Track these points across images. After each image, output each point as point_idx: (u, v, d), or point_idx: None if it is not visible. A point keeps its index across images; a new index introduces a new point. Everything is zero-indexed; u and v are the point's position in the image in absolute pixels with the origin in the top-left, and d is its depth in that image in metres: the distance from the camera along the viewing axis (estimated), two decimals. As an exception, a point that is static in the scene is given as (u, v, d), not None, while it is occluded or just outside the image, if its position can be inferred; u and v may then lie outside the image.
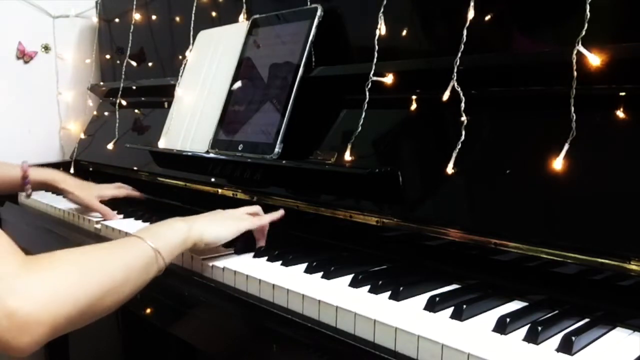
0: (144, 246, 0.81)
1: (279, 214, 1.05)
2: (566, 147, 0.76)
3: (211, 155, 1.27)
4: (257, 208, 1.06)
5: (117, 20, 1.92)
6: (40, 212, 1.56)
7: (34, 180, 1.37)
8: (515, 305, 0.78)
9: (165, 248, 0.83)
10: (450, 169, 0.87)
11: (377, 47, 1.03)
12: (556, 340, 0.65)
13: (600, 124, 0.78)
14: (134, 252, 0.79)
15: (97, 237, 1.28)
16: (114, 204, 1.39)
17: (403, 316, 0.72)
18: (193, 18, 1.51)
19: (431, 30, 1.04)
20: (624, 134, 0.75)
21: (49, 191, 1.52)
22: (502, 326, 0.68)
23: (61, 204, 1.53)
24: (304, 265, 0.93)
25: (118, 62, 1.90)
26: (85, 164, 1.84)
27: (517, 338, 0.67)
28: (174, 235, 0.87)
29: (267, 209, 1.16)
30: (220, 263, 0.95)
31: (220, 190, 1.28)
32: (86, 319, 0.69)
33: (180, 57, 1.54)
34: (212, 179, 1.29)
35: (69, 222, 1.42)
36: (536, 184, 0.80)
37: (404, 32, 1.05)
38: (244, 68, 1.29)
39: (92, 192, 1.38)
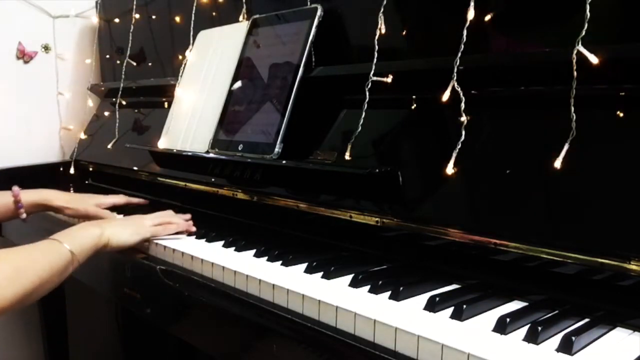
0: (63, 250, 0.96)
1: (187, 218, 1.21)
2: (566, 147, 0.76)
3: (211, 155, 1.27)
4: (167, 214, 1.22)
5: (117, 20, 1.92)
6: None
7: (26, 203, 1.32)
8: (515, 305, 0.78)
9: (80, 251, 0.99)
10: (450, 169, 0.87)
11: (377, 47, 1.03)
12: (556, 340, 0.65)
13: (600, 124, 0.78)
14: (56, 255, 0.95)
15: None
16: (116, 210, 1.38)
17: (403, 316, 0.72)
18: (193, 18, 1.51)
19: (431, 30, 1.04)
20: (624, 134, 0.75)
21: (45, 211, 1.42)
22: (502, 326, 0.68)
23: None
24: (304, 265, 0.93)
25: (118, 62, 1.90)
26: (85, 164, 1.84)
27: (517, 338, 0.67)
28: (88, 239, 1.02)
29: (267, 209, 1.17)
30: (220, 263, 0.95)
31: (220, 191, 1.28)
32: (20, 307, 0.88)
33: (180, 57, 1.54)
34: (212, 179, 1.29)
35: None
36: (536, 184, 0.80)
37: (404, 32, 1.05)
38: (244, 68, 1.29)
39: (90, 202, 1.36)
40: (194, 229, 1.19)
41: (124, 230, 1.10)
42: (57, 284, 0.95)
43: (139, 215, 1.20)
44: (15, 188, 1.30)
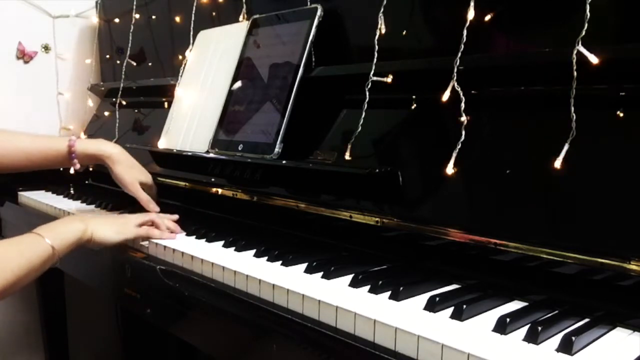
0: (44, 245, 0.96)
1: (173, 218, 1.21)
2: (566, 147, 0.76)
3: (211, 155, 1.27)
4: (152, 216, 1.19)
5: (117, 20, 1.92)
6: (41, 212, 1.56)
7: (81, 153, 1.27)
8: (515, 305, 0.78)
9: (61, 246, 0.99)
10: (450, 169, 0.87)
11: (377, 47, 1.03)
12: (556, 340, 0.65)
13: (600, 124, 0.78)
14: (36, 251, 0.95)
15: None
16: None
17: (403, 316, 0.72)
18: (193, 18, 1.51)
19: (431, 30, 1.04)
20: (624, 134, 0.75)
21: (99, 163, 1.34)
22: (502, 326, 0.68)
23: (61, 204, 1.53)
24: (304, 265, 0.93)
25: (118, 62, 1.90)
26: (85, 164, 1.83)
27: (517, 338, 0.67)
28: (71, 234, 1.02)
29: (267, 209, 1.17)
30: (220, 263, 0.95)
31: (220, 190, 1.28)
32: None
33: (180, 57, 1.54)
34: (212, 179, 1.29)
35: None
36: (536, 184, 0.80)
37: (404, 32, 1.05)
38: (244, 68, 1.29)
39: (137, 176, 1.30)
40: (176, 233, 1.17)
41: (108, 228, 1.10)
42: (35, 277, 0.96)
43: (126, 215, 1.20)
44: (73, 137, 1.28)
